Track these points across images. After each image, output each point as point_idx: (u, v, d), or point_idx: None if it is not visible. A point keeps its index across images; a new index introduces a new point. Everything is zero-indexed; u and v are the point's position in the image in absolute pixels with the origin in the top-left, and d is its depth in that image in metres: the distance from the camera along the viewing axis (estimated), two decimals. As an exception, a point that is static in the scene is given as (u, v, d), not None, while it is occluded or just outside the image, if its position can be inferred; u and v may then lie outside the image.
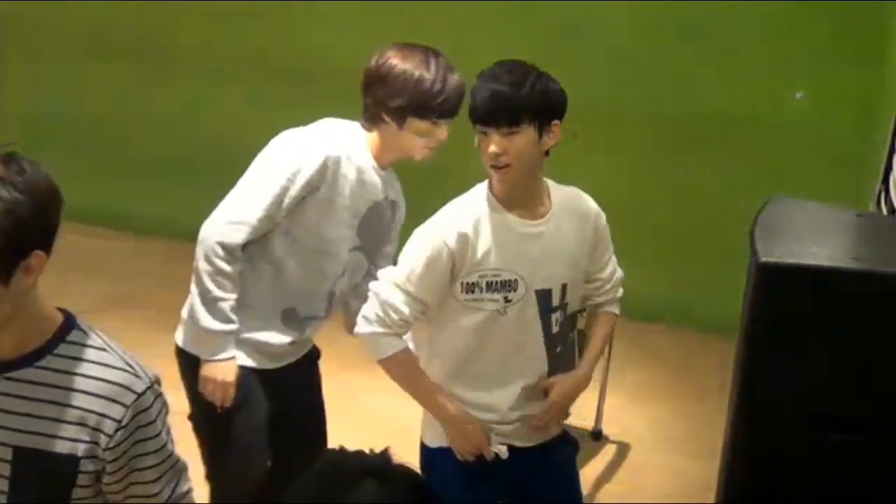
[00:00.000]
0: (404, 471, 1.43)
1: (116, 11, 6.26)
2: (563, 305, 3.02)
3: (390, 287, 2.92)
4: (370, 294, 2.96)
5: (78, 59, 6.44)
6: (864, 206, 4.33)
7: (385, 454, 1.46)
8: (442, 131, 3.11)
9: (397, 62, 3.09)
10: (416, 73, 3.07)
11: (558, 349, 3.07)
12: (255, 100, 5.98)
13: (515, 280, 2.92)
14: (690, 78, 5.44)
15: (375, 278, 3.02)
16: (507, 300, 2.92)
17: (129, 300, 5.70)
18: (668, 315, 5.59)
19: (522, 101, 2.83)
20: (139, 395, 2.14)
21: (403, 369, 3.01)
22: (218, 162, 6.42)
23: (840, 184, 4.89)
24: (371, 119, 3.16)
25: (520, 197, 2.94)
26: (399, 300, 2.90)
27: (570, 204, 3.03)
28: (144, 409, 2.15)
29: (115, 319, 5.54)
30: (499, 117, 2.82)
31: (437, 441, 3.06)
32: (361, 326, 2.96)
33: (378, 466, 1.39)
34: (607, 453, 4.62)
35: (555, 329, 3.02)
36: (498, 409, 3.01)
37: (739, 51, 5.37)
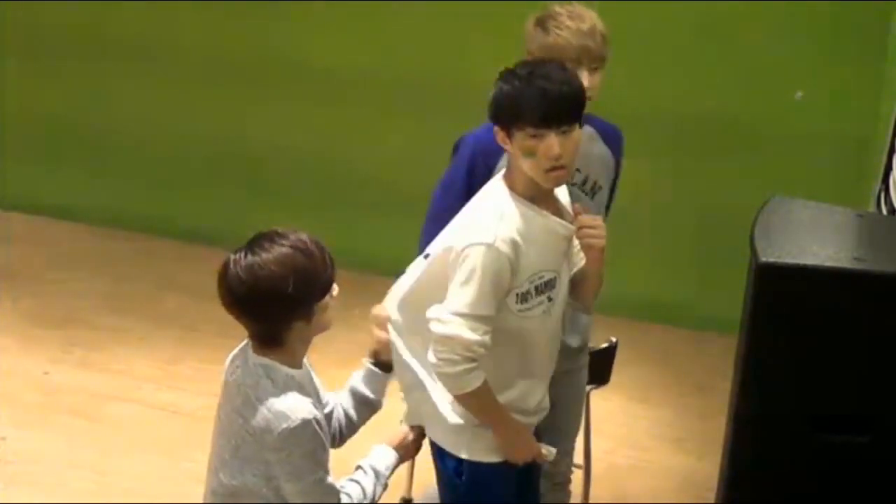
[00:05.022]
0: None
1: (115, 12, 6.26)
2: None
3: (457, 321, 2.71)
4: (436, 336, 2.74)
5: (75, 59, 6.43)
6: (864, 206, 4.33)
7: None
8: None
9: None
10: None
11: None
12: (255, 100, 5.97)
13: (555, 278, 2.84)
14: (689, 78, 5.43)
15: None
16: (549, 299, 2.84)
17: (130, 300, 5.69)
18: (668, 315, 5.58)
19: (576, 97, 2.74)
20: None
21: (485, 396, 2.82)
22: (217, 162, 6.45)
23: (840, 184, 4.88)
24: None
25: (549, 191, 2.84)
26: (475, 331, 2.71)
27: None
28: None
29: (116, 319, 5.55)
30: (561, 116, 2.70)
31: (492, 455, 2.91)
32: (444, 368, 2.74)
33: None
34: (607, 453, 4.61)
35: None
36: (528, 405, 2.94)
37: (738, 51, 5.36)
